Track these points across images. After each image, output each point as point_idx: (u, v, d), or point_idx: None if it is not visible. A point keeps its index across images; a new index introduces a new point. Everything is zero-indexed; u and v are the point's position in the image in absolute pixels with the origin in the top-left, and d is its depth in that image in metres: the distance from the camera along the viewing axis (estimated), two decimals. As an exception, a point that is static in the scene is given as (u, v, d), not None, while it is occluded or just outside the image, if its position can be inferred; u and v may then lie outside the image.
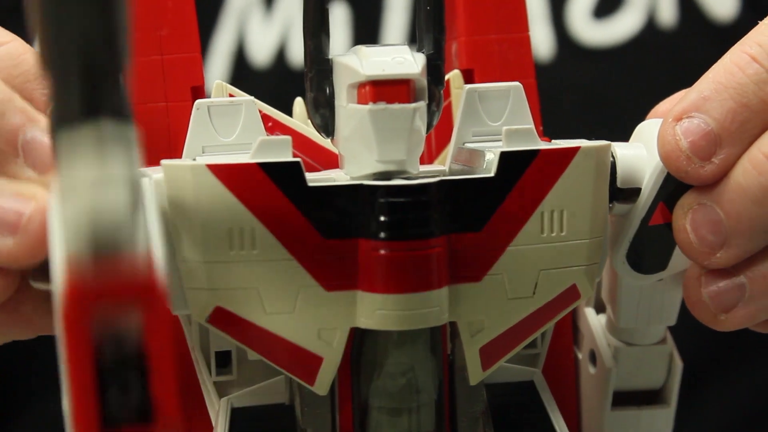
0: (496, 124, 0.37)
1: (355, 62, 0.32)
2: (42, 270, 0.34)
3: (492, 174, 0.32)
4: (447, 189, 0.33)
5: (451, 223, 0.33)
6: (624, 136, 0.38)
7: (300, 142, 0.40)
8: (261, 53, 0.73)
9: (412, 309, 0.32)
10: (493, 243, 0.34)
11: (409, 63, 0.32)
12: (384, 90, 0.32)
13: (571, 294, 0.35)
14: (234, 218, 0.32)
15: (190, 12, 0.42)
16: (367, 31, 0.77)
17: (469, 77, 0.43)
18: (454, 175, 0.34)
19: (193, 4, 0.43)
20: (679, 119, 0.34)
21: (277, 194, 0.32)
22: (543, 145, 0.34)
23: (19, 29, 0.40)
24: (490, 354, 0.35)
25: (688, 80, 0.36)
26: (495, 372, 0.37)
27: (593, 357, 0.43)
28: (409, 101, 0.32)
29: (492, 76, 0.42)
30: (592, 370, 0.42)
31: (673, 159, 0.34)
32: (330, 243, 0.32)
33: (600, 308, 0.43)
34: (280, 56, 0.76)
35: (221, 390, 0.38)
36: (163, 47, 0.42)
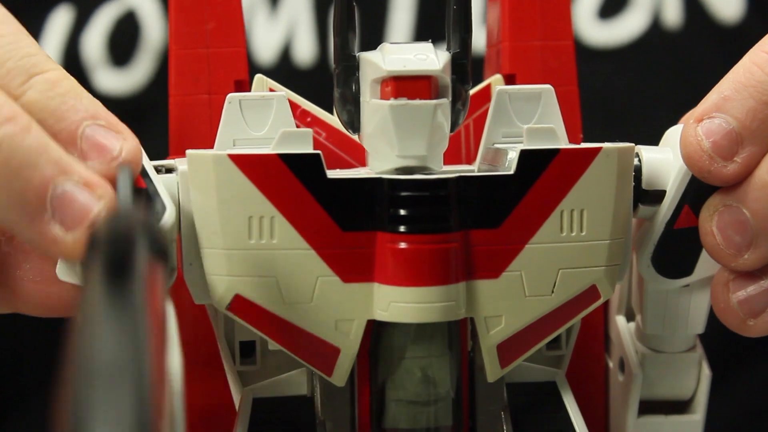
0: (526, 126, 0.37)
1: (378, 58, 0.33)
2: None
3: (512, 172, 0.33)
4: (466, 185, 0.33)
5: (470, 219, 0.34)
6: (630, 137, 0.38)
7: (338, 138, 0.41)
8: (266, 52, 0.73)
9: (428, 302, 0.33)
10: (512, 240, 0.34)
11: (431, 60, 0.33)
12: (405, 85, 0.32)
13: (591, 294, 0.35)
14: (254, 207, 0.33)
15: (236, 7, 0.43)
16: (372, 31, 0.76)
17: (510, 82, 0.43)
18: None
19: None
20: (700, 120, 0.33)
21: (297, 185, 0.33)
22: (564, 144, 0.34)
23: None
24: (507, 351, 0.35)
25: (693, 81, 0.36)
26: (517, 371, 0.38)
27: (622, 365, 0.42)
28: (430, 97, 0.33)
29: (533, 81, 0.42)
30: (620, 377, 0.42)
31: (696, 159, 0.34)
32: (348, 235, 0.33)
33: (630, 316, 0.43)
34: (285, 56, 0.76)
35: (245, 379, 0.39)
36: (210, 41, 0.43)
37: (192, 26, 0.43)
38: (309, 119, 0.41)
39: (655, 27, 0.76)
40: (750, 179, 0.34)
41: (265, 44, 0.73)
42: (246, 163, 0.32)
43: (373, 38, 0.75)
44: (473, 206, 0.34)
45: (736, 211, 0.35)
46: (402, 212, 0.33)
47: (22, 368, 0.74)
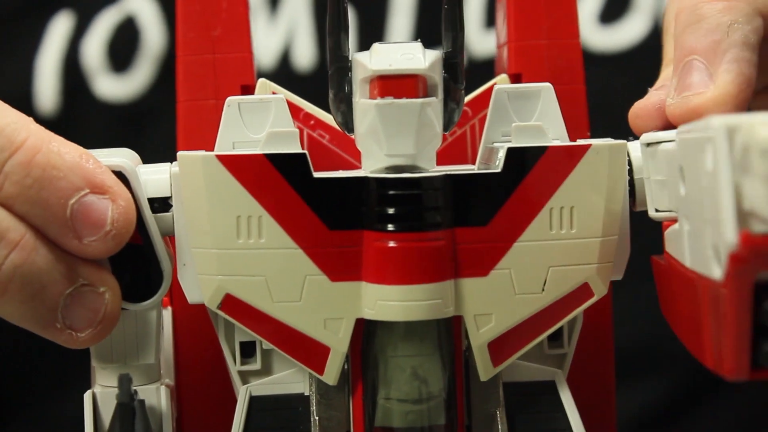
0: (514, 124, 0.38)
1: (365, 58, 0.33)
2: None
3: (499, 170, 0.33)
4: (453, 183, 0.34)
5: (457, 217, 0.34)
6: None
7: (341, 140, 0.42)
8: (265, 57, 0.74)
9: (415, 300, 0.34)
10: (500, 238, 0.35)
11: (418, 59, 0.33)
12: (391, 85, 0.33)
13: (584, 292, 0.36)
14: (241, 207, 0.34)
15: (243, 13, 0.44)
16: (371, 33, 0.76)
17: (516, 81, 0.44)
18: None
19: (247, 5, 0.45)
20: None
21: (284, 184, 0.34)
22: (552, 141, 0.34)
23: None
24: (499, 349, 0.36)
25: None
26: (515, 370, 0.39)
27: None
28: (417, 96, 0.33)
29: (539, 81, 0.42)
30: None
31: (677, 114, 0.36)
32: (335, 234, 0.34)
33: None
34: (285, 60, 0.77)
35: (247, 379, 0.40)
36: (216, 46, 0.44)
37: (199, 32, 0.44)
38: (312, 122, 0.42)
39: (657, 31, 0.76)
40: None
41: (264, 49, 0.74)
42: (233, 164, 0.33)
43: (374, 41, 0.77)
44: (460, 204, 0.34)
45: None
46: (388, 211, 0.34)
47: (27, 372, 0.77)
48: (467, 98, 0.43)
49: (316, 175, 0.34)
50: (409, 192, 0.34)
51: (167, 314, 0.45)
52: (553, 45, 0.45)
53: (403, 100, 0.33)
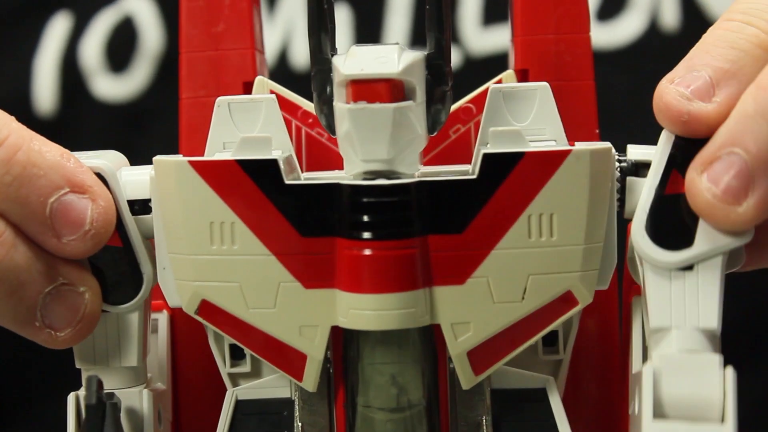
0: (522, 125, 0.38)
1: (341, 61, 0.33)
2: None
3: (475, 176, 0.33)
4: (428, 190, 0.34)
5: (432, 224, 0.34)
6: (627, 138, 0.38)
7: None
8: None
9: (387, 309, 0.34)
10: (477, 245, 0.34)
11: (392, 62, 0.33)
12: (363, 89, 0.33)
13: (567, 301, 0.35)
14: (214, 213, 0.35)
15: (246, 9, 0.45)
16: (369, 33, 0.77)
17: (523, 78, 0.43)
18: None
19: (251, 1, 0.45)
20: (672, 80, 0.35)
21: (255, 191, 0.34)
22: (530, 147, 0.34)
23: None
24: (480, 358, 0.36)
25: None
26: (505, 377, 0.39)
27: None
28: (390, 100, 0.33)
29: (547, 76, 0.42)
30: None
31: (674, 104, 0.34)
32: (307, 240, 0.34)
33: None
34: (282, 59, 0.77)
35: (237, 381, 0.41)
36: (219, 42, 0.45)
37: (202, 29, 0.45)
38: (311, 120, 0.42)
39: (653, 29, 0.77)
40: (734, 116, 0.34)
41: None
42: (205, 169, 0.34)
43: (370, 41, 0.77)
44: (435, 211, 0.34)
45: (728, 157, 0.34)
46: (360, 218, 0.34)
47: (25, 375, 0.78)
48: (472, 95, 0.44)
49: (288, 181, 0.34)
50: (381, 199, 0.34)
51: (163, 317, 0.46)
52: (561, 39, 0.44)
53: (376, 105, 0.33)
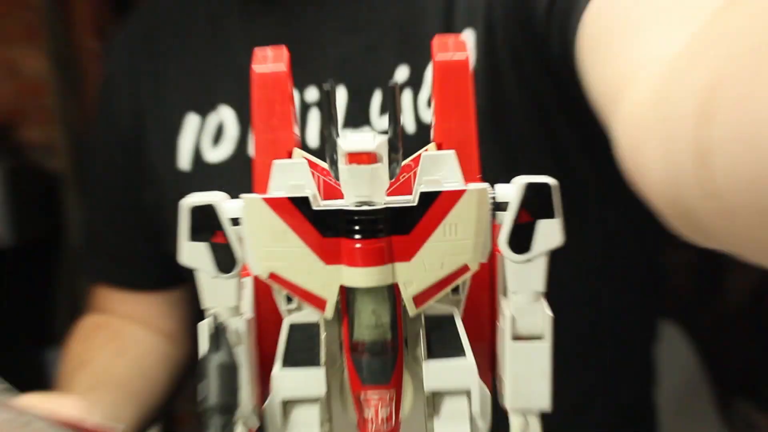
0: (439, 175, 0.53)
1: (342, 142, 0.47)
2: None
3: (415, 204, 0.48)
4: (391, 211, 0.48)
5: (392, 229, 0.48)
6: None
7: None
8: None
9: (370, 275, 0.48)
10: (417, 240, 0.49)
11: (370, 142, 0.47)
12: (354, 157, 0.47)
13: (464, 269, 0.50)
14: (275, 225, 0.48)
15: (288, 110, 0.58)
16: (359, 108, 1.05)
17: (439, 147, 0.57)
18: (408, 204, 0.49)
19: (292, 106, 0.58)
20: None
21: (297, 213, 0.48)
22: (447, 187, 0.48)
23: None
24: (419, 299, 0.50)
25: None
26: (432, 308, 0.53)
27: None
28: (369, 163, 0.46)
29: (452, 146, 0.56)
30: (500, 321, 0.57)
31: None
32: (326, 239, 0.48)
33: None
34: (303, 140, 1.05)
35: (289, 314, 0.56)
36: (274, 130, 0.59)
37: (265, 123, 0.59)
38: (325, 172, 0.56)
39: None
40: None
41: None
42: (271, 202, 0.47)
43: (360, 114, 1.07)
44: (395, 222, 0.48)
45: None
46: (353, 227, 0.47)
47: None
48: (412, 157, 0.57)
49: (314, 208, 0.47)
50: (364, 218, 0.48)
51: (249, 280, 0.58)
52: (459, 126, 0.58)
53: (361, 166, 0.47)
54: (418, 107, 1.01)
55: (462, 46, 0.57)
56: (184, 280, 1.18)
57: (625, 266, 1.12)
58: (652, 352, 1.20)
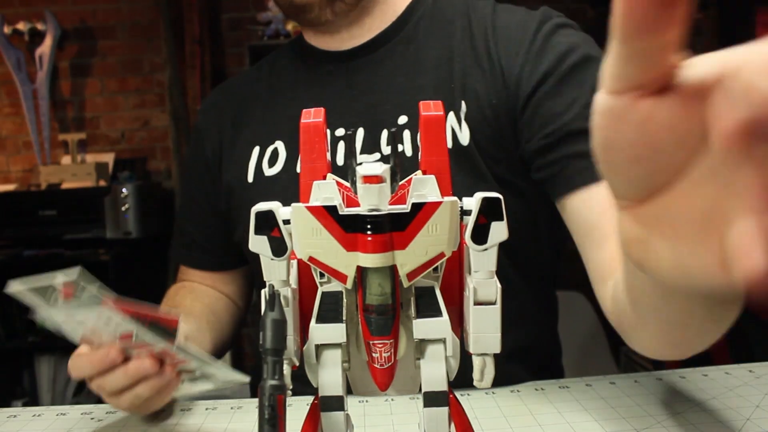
0: (425, 191, 0.67)
1: (359, 169, 0.60)
2: None
3: (408, 210, 0.60)
4: (391, 215, 0.60)
5: (393, 227, 0.61)
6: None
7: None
8: None
9: (377, 259, 0.60)
10: (410, 234, 0.61)
11: (378, 169, 0.59)
12: (368, 179, 0.59)
13: (441, 254, 0.63)
14: (313, 224, 0.61)
15: (322, 147, 0.74)
16: (372, 141, 1.36)
17: (425, 173, 0.71)
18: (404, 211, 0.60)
19: (326, 143, 0.73)
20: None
21: (328, 216, 0.61)
22: (430, 199, 0.61)
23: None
24: (411, 276, 0.63)
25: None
26: (419, 282, 0.67)
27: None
28: (378, 183, 0.59)
29: (432, 172, 0.71)
30: (467, 292, 0.69)
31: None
32: (347, 234, 0.61)
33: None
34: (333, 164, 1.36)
35: (322, 287, 0.71)
36: (313, 161, 0.74)
37: (308, 154, 0.74)
38: (348, 187, 0.69)
39: None
40: None
41: None
42: (311, 209, 0.61)
43: (370, 150, 1.30)
44: (394, 222, 0.60)
45: None
46: (366, 226, 0.60)
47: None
48: (406, 179, 0.70)
49: (341, 212, 0.59)
50: (374, 219, 0.59)
51: (294, 262, 0.70)
52: (436, 160, 0.72)
53: (373, 185, 0.59)
54: (414, 139, 1.30)
55: (439, 107, 0.73)
56: (241, 263, 1.65)
57: (542, 261, 1.47)
58: (557, 310, 1.59)
